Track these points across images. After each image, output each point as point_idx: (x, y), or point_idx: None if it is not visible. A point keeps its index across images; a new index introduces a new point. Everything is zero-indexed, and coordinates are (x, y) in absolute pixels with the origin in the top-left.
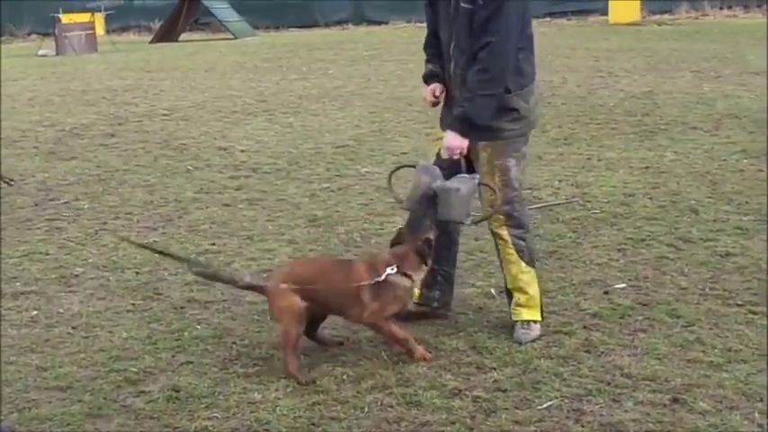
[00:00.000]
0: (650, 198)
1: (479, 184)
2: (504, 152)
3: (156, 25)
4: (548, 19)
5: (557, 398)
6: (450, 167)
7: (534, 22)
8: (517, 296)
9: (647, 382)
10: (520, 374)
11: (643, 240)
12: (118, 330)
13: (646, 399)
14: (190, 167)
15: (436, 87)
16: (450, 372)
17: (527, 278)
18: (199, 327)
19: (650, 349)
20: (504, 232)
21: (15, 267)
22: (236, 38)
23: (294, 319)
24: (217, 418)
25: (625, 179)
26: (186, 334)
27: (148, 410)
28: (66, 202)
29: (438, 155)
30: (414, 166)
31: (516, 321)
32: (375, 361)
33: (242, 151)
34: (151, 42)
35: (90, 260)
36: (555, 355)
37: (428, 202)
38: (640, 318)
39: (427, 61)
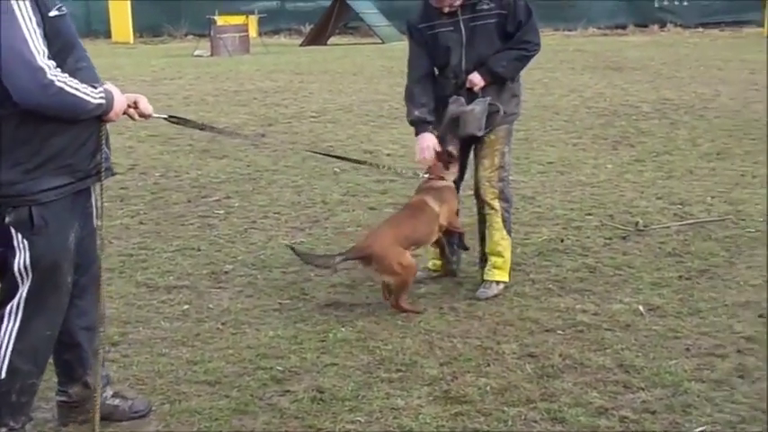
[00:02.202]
0: None
1: (489, 102)
2: (504, 139)
3: (307, 28)
4: (700, 29)
5: (708, 423)
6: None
7: (686, 33)
8: (494, 259)
9: None
10: (669, 396)
11: None
12: (265, 328)
13: None
14: (337, 170)
15: (433, 142)
16: (597, 389)
17: (505, 244)
18: (343, 329)
19: None
20: (497, 204)
21: (169, 261)
22: (383, 42)
23: (412, 269)
24: (360, 421)
25: None
26: (331, 335)
27: (293, 410)
28: (217, 200)
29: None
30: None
31: (487, 281)
32: (519, 373)
33: (387, 155)
34: (301, 45)
35: (239, 258)
36: (707, 379)
37: (452, 124)
38: None
39: (416, 107)
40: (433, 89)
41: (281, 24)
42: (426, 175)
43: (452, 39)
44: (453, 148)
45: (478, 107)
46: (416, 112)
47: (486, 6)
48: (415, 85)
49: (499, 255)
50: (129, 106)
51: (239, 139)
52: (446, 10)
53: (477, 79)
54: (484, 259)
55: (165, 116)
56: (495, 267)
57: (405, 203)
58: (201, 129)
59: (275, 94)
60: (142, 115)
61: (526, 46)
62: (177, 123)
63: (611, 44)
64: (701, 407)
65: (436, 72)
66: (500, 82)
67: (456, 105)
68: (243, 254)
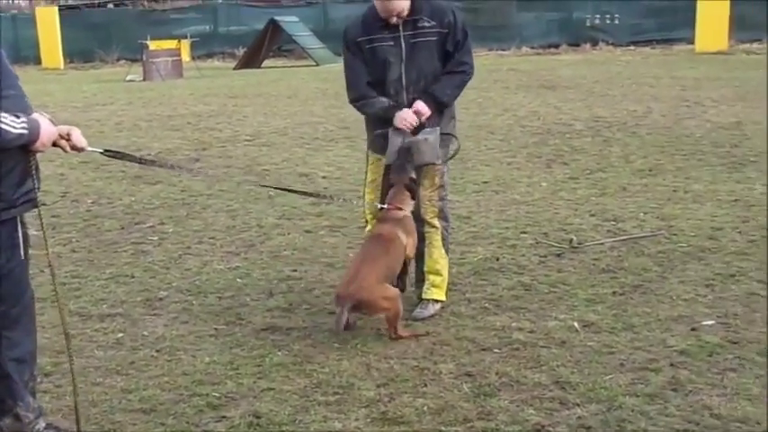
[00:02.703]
0: (739, 232)
1: (441, 133)
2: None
3: (240, 52)
4: (631, 47)
5: None
6: (414, 130)
7: (617, 51)
8: (432, 278)
9: (738, 425)
10: (604, 411)
11: (732, 276)
12: (201, 354)
13: None
14: (272, 193)
15: (410, 114)
16: (533, 407)
17: (443, 263)
18: (280, 353)
19: (741, 389)
20: (437, 222)
21: (102, 289)
22: (317, 64)
23: (397, 298)
24: None
25: (713, 212)
26: (268, 360)
27: None
28: (151, 226)
29: (381, 198)
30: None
31: (425, 300)
32: (456, 393)
33: (323, 177)
34: (235, 68)
35: (174, 284)
36: (641, 393)
37: (406, 153)
38: (730, 356)
39: (377, 97)
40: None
41: (214, 48)
42: (384, 207)
43: (392, 53)
44: (413, 175)
45: (431, 136)
46: (382, 99)
47: (427, 24)
48: (362, 88)
49: (438, 273)
50: (61, 137)
51: (184, 173)
52: (394, 21)
53: (424, 110)
54: (421, 279)
55: (100, 150)
56: (433, 286)
57: (373, 235)
58: (140, 162)
59: (209, 118)
60: (74, 148)
61: (464, 68)
62: (113, 157)
63: (544, 63)
64: (636, 421)
65: None
66: (443, 108)
67: (400, 136)
68: (177, 280)
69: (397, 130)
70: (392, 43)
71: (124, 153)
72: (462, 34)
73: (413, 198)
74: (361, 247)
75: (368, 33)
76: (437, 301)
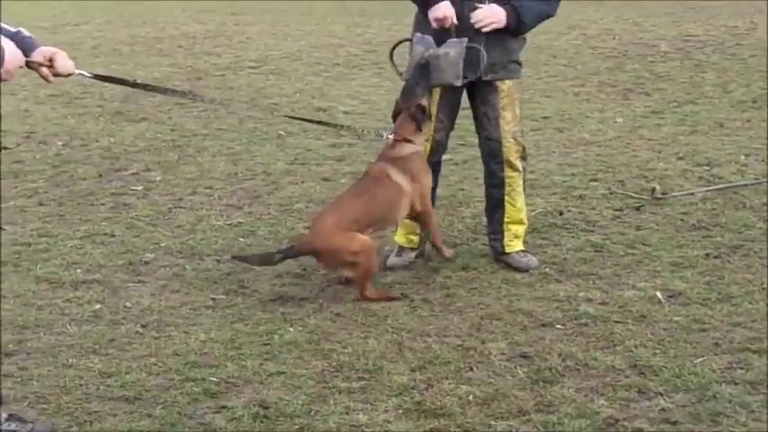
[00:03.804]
0: None
1: (467, 46)
2: (517, 88)
3: None
4: None
5: None
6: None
7: None
8: (516, 228)
9: None
10: (694, 403)
11: None
12: (195, 331)
13: None
14: (282, 132)
15: (451, 11)
16: (605, 396)
17: (525, 210)
18: (292, 329)
19: None
20: (519, 164)
21: (76, 251)
22: None
23: (373, 253)
24: None
25: None
26: (277, 337)
27: (231, 430)
28: (134, 173)
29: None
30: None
31: (512, 252)
32: (509, 379)
33: (345, 113)
34: None
35: (162, 244)
36: (740, 380)
37: (421, 71)
38: None
39: None
40: None
41: None
42: (390, 136)
43: None
44: (426, 102)
45: (453, 50)
46: None
47: None
48: None
49: (521, 222)
50: (40, 64)
51: (188, 98)
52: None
53: (494, 16)
54: (498, 230)
55: (89, 74)
56: (516, 237)
57: (362, 173)
58: (134, 86)
59: (205, 40)
60: (58, 74)
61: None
62: (104, 81)
63: None
64: (734, 414)
65: None
66: (515, 33)
67: (422, 46)
68: (167, 239)
69: (423, 37)
70: None
71: (115, 77)
72: None
73: (419, 129)
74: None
75: None
76: (525, 251)
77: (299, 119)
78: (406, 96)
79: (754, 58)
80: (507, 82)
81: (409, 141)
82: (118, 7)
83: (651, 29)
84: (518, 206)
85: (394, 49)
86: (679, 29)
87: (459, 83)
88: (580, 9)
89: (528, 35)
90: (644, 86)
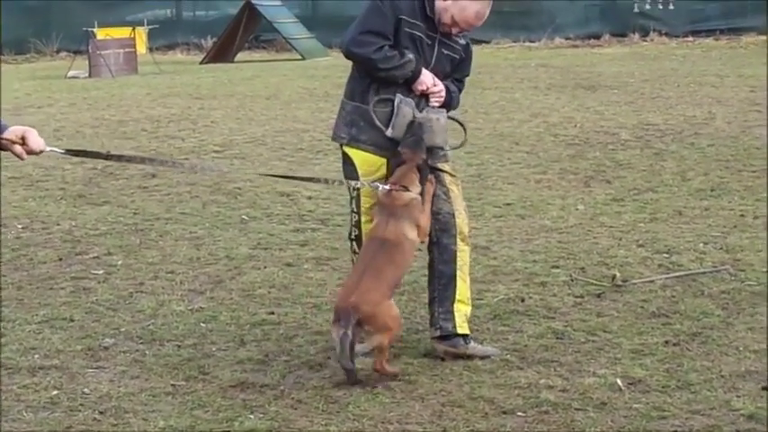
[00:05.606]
0: None
1: (449, 116)
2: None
3: (209, 43)
4: (689, 39)
5: None
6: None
7: (672, 43)
8: (465, 309)
9: None
10: None
11: None
12: (154, 418)
13: None
14: (245, 217)
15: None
16: None
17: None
18: (252, 416)
19: None
20: (468, 240)
21: (34, 336)
22: (303, 58)
23: (400, 321)
24: None
25: None
26: (237, 425)
27: None
28: (95, 257)
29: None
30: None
31: (463, 335)
32: None
33: (309, 198)
34: (202, 63)
35: (122, 329)
36: None
37: (415, 129)
38: None
39: (399, 52)
40: None
41: (176, 37)
42: (386, 187)
43: (425, 50)
44: (426, 156)
45: (442, 117)
46: (408, 54)
47: (461, 41)
48: (379, 38)
49: (468, 304)
50: (13, 142)
51: (165, 167)
52: (455, 30)
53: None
54: (448, 310)
55: (61, 150)
56: (467, 320)
57: (375, 237)
58: (107, 158)
59: (169, 123)
60: (31, 152)
61: (461, 87)
62: (76, 156)
63: (581, 57)
64: None
65: None
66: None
67: (408, 107)
68: (127, 324)
69: (406, 100)
70: (429, 42)
71: (89, 150)
72: (469, 61)
73: (421, 182)
74: (362, 252)
75: (415, 18)
76: (469, 336)
77: (288, 177)
78: (415, 147)
79: (712, 148)
80: (449, 161)
81: (406, 189)
82: (82, 90)
83: (612, 117)
84: (467, 283)
85: (375, 104)
86: (639, 118)
87: (447, 148)
88: (542, 97)
89: (490, 123)
90: (605, 174)
